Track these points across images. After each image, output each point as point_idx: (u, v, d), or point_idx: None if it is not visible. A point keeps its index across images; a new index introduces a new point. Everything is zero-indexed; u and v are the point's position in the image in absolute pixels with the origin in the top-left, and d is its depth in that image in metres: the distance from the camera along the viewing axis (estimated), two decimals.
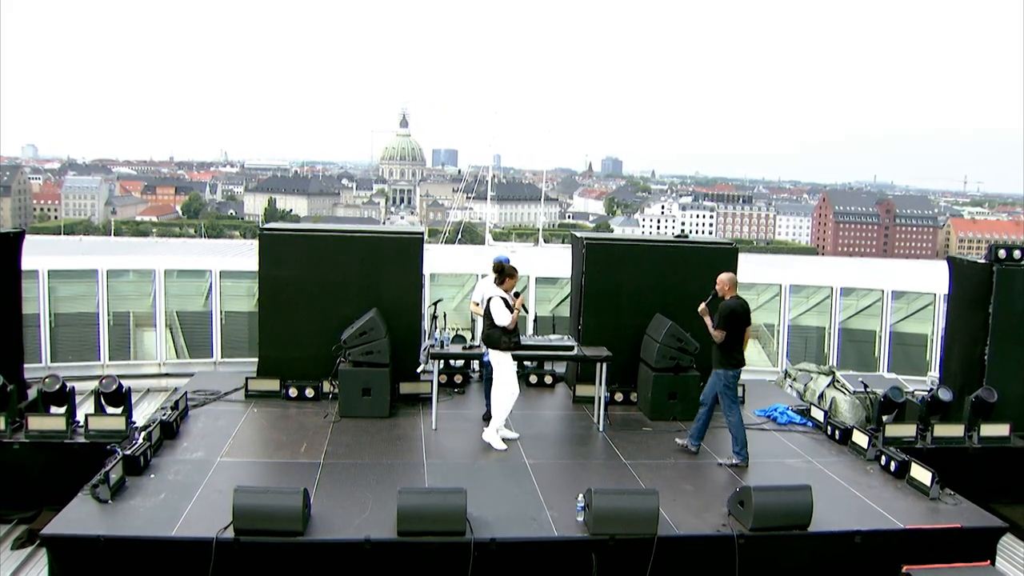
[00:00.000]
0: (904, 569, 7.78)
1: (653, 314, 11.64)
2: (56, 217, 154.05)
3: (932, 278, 15.66)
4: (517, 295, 9.83)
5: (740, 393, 11.86)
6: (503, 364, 9.84)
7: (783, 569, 7.80)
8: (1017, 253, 10.98)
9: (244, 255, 16.29)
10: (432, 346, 10.58)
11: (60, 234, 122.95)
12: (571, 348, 10.54)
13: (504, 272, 9.83)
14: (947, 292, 12.35)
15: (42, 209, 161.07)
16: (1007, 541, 9.04)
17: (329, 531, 7.41)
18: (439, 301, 11.87)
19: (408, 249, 11.67)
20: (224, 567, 7.13)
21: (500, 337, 9.74)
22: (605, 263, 11.86)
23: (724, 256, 12.09)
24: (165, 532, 7.28)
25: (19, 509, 9.10)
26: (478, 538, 7.37)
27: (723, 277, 9.83)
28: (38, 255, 13.70)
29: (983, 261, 11.16)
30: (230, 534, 7.19)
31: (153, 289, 15.04)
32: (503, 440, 9.85)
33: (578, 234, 12.38)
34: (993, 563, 8.15)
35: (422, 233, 11.88)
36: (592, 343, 11.28)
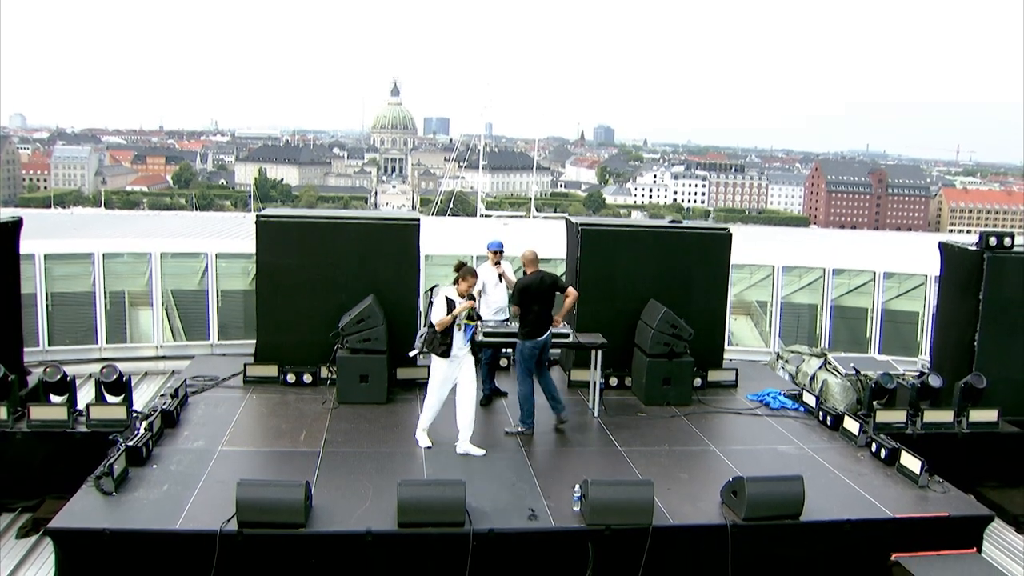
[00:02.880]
0: (893, 557, 8.02)
1: (647, 299, 11.76)
2: (46, 187, 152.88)
3: (923, 258, 15.76)
4: (472, 297, 9.50)
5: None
6: (436, 370, 9.49)
7: (775, 557, 7.97)
8: (1008, 240, 11.09)
9: (240, 236, 16.32)
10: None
11: (50, 205, 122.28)
12: (567, 336, 10.65)
13: (460, 273, 9.46)
14: (938, 274, 12.48)
15: (31, 180, 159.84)
16: (994, 525, 9.21)
17: (331, 523, 7.55)
18: (435, 287, 11.93)
19: (404, 235, 11.73)
20: (228, 559, 7.27)
21: (434, 338, 9.34)
22: (600, 249, 11.94)
23: (718, 241, 12.21)
24: (169, 525, 7.40)
25: (22, 498, 9.19)
26: (477, 529, 7.51)
27: (523, 253, 10.31)
28: (34, 238, 13.70)
29: (974, 248, 11.26)
30: (233, 527, 7.32)
31: (149, 271, 15.06)
32: (427, 439, 9.56)
33: (573, 219, 12.43)
34: (979, 550, 8.34)
35: (418, 219, 11.91)
36: (587, 329, 11.38)
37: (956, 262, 11.63)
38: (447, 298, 9.29)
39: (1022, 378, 11.11)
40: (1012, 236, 11.14)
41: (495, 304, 11.09)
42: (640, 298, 11.81)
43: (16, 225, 10.98)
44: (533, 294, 10.03)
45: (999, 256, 11.07)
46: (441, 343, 9.28)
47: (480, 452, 9.34)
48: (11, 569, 8.15)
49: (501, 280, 11.09)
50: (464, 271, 9.41)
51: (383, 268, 11.60)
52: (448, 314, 9.20)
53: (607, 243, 12.01)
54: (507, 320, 11.04)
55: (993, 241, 11.08)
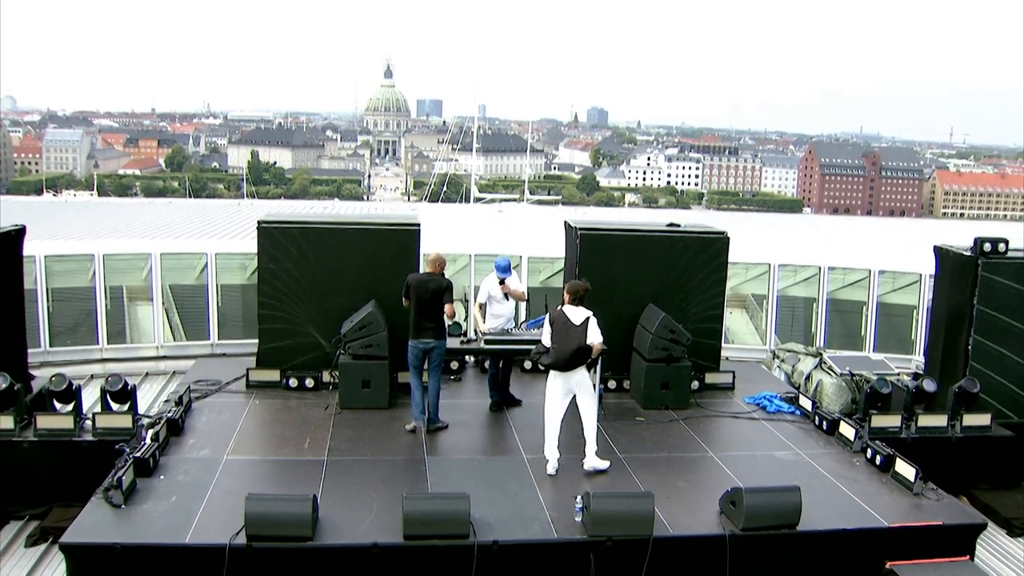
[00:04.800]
0: (888, 565, 8.18)
1: (646, 303, 11.90)
2: (37, 171, 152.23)
3: (918, 254, 15.89)
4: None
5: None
6: (583, 384, 9.50)
7: (772, 566, 8.13)
8: (1002, 246, 11.22)
9: (239, 236, 16.42)
10: None
11: (42, 189, 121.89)
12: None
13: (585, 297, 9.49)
14: (933, 273, 12.62)
15: (23, 163, 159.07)
16: (987, 529, 9.37)
17: (338, 535, 7.68)
18: None
19: (405, 240, 11.81)
20: (237, 572, 7.40)
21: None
22: (599, 253, 12.04)
23: (716, 245, 12.31)
24: (179, 538, 7.52)
25: (30, 506, 9.30)
26: (481, 541, 7.65)
27: (431, 256, 10.53)
28: (33, 236, 13.72)
29: (968, 253, 11.39)
30: (242, 540, 7.44)
31: (149, 269, 15.13)
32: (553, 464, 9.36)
33: (572, 223, 12.51)
34: (972, 558, 8.51)
35: (418, 224, 11.98)
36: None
37: (950, 266, 11.76)
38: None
39: (1015, 382, 11.28)
40: (1006, 241, 11.26)
41: (501, 315, 11.20)
42: (639, 302, 11.94)
43: (19, 233, 11.03)
44: (414, 290, 10.24)
45: (993, 262, 11.20)
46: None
47: (606, 464, 9.39)
48: None
49: (508, 298, 11.20)
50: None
51: (384, 273, 11.66)
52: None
53: (606, 247, 12.11)
54: (509, 329, 11.14)
55: (987, 246, 11.21)
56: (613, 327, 11.64)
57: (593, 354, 9.31)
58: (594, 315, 9.38)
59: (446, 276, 10.49)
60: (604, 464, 9.36)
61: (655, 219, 26.96)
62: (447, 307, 10.29)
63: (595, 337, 9.26)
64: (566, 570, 7.85)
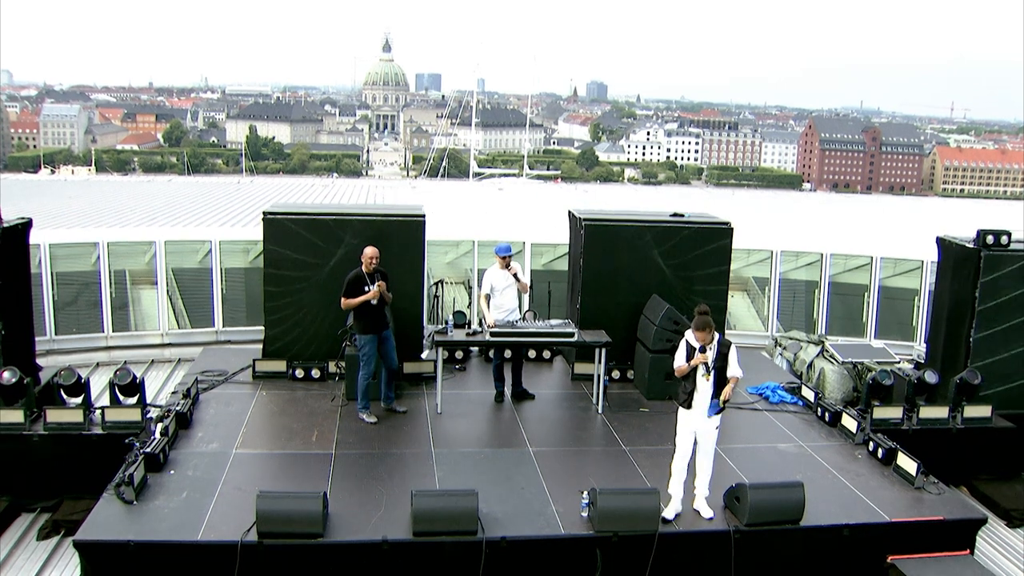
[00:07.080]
0: (889, 559, 8.31)
1: (649, 292, 11.98)
2: (35, 146, 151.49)
3: (920, 239, 15.91)
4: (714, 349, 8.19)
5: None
6: (679, 421, 8.42)
7: (775, 561, 8.26)
8: (1005, 238, 11.24)
9: (244, 223, 16.44)
10: (437, 332, 10.85)
11: (39, 165, 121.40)
12: (572, 335, 10.83)
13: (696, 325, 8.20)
14: (936, 260, 12.65)
15: (20, 139, 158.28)
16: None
17: (348, 532, 7.78)
18: (440, 282, 12.08)
19: (410, 231, 11.85)
20: (248, 568, 7.51)
21: (676, 386, 8.47)
22: (603, 244, 12.09)
23: (720, 234, 12.35)
24: (191, 535, 7.62)
25: (41, 498, 9.40)
26: (490, 537, 7.76)
27: (365, 251, 10.55)
28: (37, 224, 13.75)
29: (971, 245, 11.42)
30: (253, 537, 7.55)
31: (154, 260, 15.15)
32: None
33: (576, 213, 12.54)
34: (972, 551, 8.63)
35: (423, 215, 12.01)
36: (590, 323, 11.60)
37: (953, 258, 11.78)
38: (687, 343, 8.26)
39: (1016, 374, 11.35)
40: (1009, 234, 11.28)
41: (505, 307, 11.22)
42: (642, 291, 12.02)
43: (26, 227, 11.05)
44: (358, 288, 10.41)
45: (995, 254, 11.23)
46: (683, 391, 8.36)
47: (710, 514, 8.40)
48: (35, 572, 8.38)
49: (515, 277, 11.18)
50: (701, 321, 8.19)
51: (388, 263, 11.67)
52: (688, 361, 8.19)
53: (610, 238, 12.15)
54: (515, 320, 11.18)
55: (990, 239, 11.23)
56: (616, 316, 11.85)
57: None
58: (691, 342, 8.25)
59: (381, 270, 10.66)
60: (708, 513, 8.43)
61: (657, 201, 27.20)
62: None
63: (675, 360, 8.38)
64: (572, 565, 7.96)
